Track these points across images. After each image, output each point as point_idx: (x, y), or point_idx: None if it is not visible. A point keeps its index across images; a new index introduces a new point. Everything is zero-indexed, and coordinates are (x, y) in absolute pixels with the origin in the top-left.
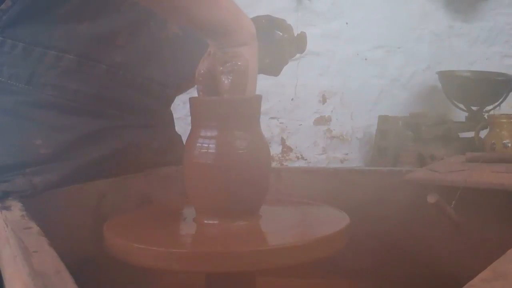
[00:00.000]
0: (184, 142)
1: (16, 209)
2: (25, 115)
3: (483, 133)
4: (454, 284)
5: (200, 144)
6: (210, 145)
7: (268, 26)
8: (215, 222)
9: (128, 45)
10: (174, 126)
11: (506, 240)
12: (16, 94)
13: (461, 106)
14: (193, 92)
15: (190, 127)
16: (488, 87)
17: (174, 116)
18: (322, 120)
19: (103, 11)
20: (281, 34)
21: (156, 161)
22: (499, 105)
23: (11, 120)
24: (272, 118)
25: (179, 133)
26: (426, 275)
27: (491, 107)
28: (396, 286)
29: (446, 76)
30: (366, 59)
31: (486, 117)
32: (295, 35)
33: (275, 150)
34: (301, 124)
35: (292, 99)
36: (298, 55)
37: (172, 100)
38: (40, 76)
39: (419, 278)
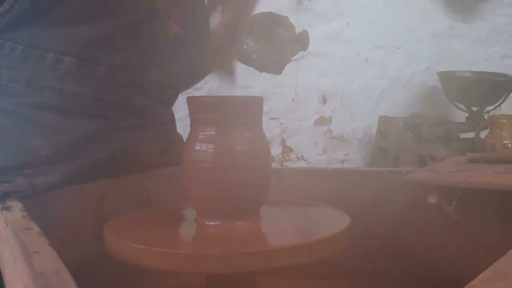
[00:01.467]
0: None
1: (16, 209)
2: (25, 117)
3: (483, 134)
4: (455, 284)
5: (200, 144)
6: (210, 145)
7: (270, 23)
8: (216, 222)
9: (128, 46)
10: (175, 126)
11: (506, 241)
12: (16, 96)
13: (461, 106)
14: (193, 92)
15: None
16: (488, 87)
17: (175, 116)
18: (322, 121)
19: (102, 12)
20: (283, 31)
21: (157, 162)
22: (499, 105)
23: (11, 122)
24: (272, 118)
25: (180, 133)
26: (426, 276)
27: (491, 107)
28: (396, 286)
29: (446, 77)
30: (366, 59)
31: (487, 118)
32: (297, 33)
33: (276, 150)
34: (301, 125)
35: (292, 100)
36: (299, 54)
37: (173, 101)
38: (39, 79)
39: (420, 279)
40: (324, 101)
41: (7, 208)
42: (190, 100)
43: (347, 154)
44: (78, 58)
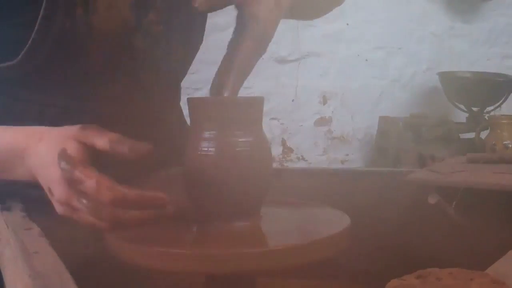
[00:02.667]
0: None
1: (16, 210)
2: None
3: (483, 134)
4: None
5: (200, 145)
6: (210, 146)
7: None
8: (215, 222)
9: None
10: (184, 120)
11: (506, 241)
12: None
13: (462, 107)
14: (194, 93)
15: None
16: (488, 88)
17: None
18: (322, 121)
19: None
20: None
21: (164, 164)
22: (499, 106)
23: None
24: (272, 119)
25: None
26: None
27: (491, 108)
28: None
29: (447, 77)
30: (366, 60)
31: (487, 118)
32: None
33: (276, 151)
34: (301, 125)
35: (292, 100)
36: (299, 54)
37: (177, 99)
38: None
39: None
40: (324, 101)
41: (7, 208)
42: (191, 101)
43: (347, 155)
44: (62, 108)
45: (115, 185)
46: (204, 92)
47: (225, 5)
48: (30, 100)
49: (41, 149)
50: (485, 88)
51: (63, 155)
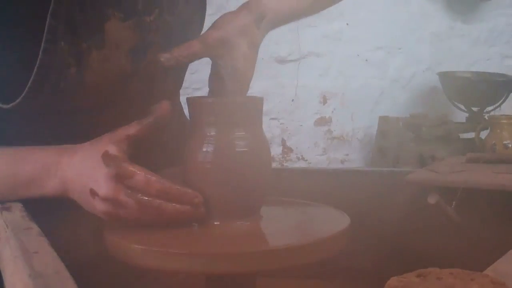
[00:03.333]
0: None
1: (16, 209)
2: None
3: (483, 134)
4: None
5: (200, 145)
6: (210, 146)
7: None
8: (215, 222)
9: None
10: (185, 117)
11: (506, 241)
12: None
13: (462, 106)
14: (194, 93)
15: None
16: (488, 88)
17: None
18: (322, 121)
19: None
20: None
21: (168, 160)
22: (499, 105)
23: None
24: (272, 119)
25: None
26: None
27: (491, 107)
28: None
29: (447, 77)
30: (366, 60)
31: (487, 118)
32: None
33: (276, 150)
34: (301, 125)
35: (292, 100)
36: (299, 55)
37: (175, 97)
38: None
39: None
40: (324, 101)
41: (7, 209)
42: (190, 101)
43: (347, 154)
44: (55, 129)
45: (160, 178)
46: (203, 91)
47: (193, 60)
48: (21, 124)
49: (76, 161)
50: (485, 88)
51: (107, 156)
